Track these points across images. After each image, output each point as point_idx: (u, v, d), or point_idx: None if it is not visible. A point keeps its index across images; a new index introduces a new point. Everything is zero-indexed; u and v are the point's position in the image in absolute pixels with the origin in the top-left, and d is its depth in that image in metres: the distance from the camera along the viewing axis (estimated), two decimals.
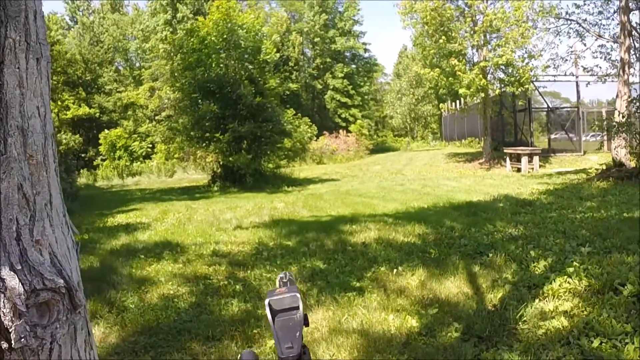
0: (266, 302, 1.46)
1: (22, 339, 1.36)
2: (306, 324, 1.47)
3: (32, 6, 1.52)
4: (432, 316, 4.98)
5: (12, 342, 1.36)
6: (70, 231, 1.66)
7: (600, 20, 21.35)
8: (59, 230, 1.57)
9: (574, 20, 21.49)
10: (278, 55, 26.97)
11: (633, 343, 3.97)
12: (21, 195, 1.45)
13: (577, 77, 26.41)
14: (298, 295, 1.48)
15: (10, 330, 1.35)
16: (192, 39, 24.37)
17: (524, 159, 22.40)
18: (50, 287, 1.42)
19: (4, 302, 1.34)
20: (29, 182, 1.47)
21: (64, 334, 1.47)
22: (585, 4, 21.03)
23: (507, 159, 24.12)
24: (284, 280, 1.68)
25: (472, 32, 25.38)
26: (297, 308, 1.46)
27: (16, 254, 1.41)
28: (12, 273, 1.37)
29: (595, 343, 4.06)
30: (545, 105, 28.88)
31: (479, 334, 4.49)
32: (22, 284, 1.36)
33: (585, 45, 23.04)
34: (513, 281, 5.80)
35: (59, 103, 43.27)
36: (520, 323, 4.65)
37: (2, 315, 1.34)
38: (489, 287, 5.71)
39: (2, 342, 1.36)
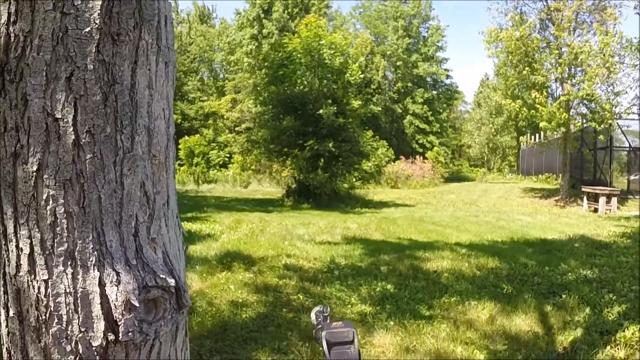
0: (323, 334, 1.53)
1: (130, 333, 1.42)
2: None
3: (164, 11, 1.60)
4: (500, 353, 4.95)
5: (120, 334, 1.42)
6: (181, 233, 1.73)
7: None
8: (173, 230, 1.65)
9: None
10: (362, 77, 27.08)
11: None
12: (142, 193, 1.52)
13: None
14: (354, 330, 1.54)
15: (119, 323, 1.42)
16: (278, 54, 24.75)
17: (602, 199, 21.76)
18: (161, 285, 1.48)
19: (117, 295, 1.41)
20: (150, 181, 1.54)
21: (167, 332, 1.54)
22: None
23: (585, 197, 23.52)
24: (325, 314, 1.75)
25: (556, 64, 24.95)
26: (352, 342, 1.52)
27: (132, 249, 1.48)
28: (127, 267, 1.44)
29: None
30: (627, 145, 28.05)
31: None
32: (136, 279, 1.44)
33: None
34: (585, 325, 5.69)
35: None
36: None
37: (113, 307, 1.41)
38: (560, 329, 5.62)
39: (109, 334, 1.42)
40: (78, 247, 1.42)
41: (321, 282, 7.39)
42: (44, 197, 1.41)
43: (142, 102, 1.52)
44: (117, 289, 1.42)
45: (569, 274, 8.13)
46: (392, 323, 5.70)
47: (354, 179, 24.77)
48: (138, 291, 1.43)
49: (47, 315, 1.43)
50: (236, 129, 47.02)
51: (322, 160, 23.12)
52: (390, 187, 37.37)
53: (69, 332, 1.43)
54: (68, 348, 1.43)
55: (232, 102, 50.62)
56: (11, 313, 1.48)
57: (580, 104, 25.20)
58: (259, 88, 26.55)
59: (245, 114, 45.38)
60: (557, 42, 25.01)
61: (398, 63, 58.39)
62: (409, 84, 58.52)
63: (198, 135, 47.88)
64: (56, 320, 1.43)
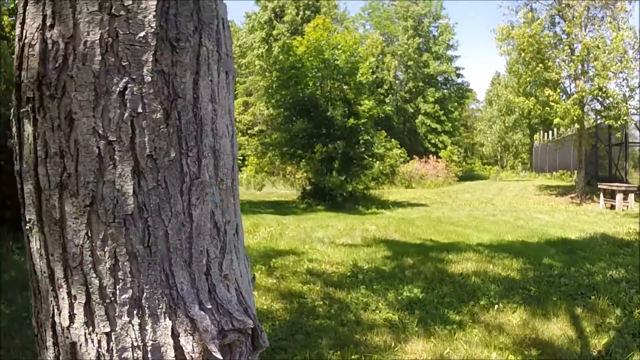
0: None
1: None
2: None
3: (222, 13, 1.40)
4: (535, 357, 4.93)
5: None
6: (249, 263, 1.54)
7: None
8: (243, 263, 1.46)
9: None
10: (373, 76, 27.07)
11: None
12: (212, 224, 1.33)
13: None
14: None
15: None
16: (289, 57, 24.80)
17: (619, 196, 21.62)
18: (238, 327, 1.30)
19: (193, 345, 1.25)
20: (219, 209, 1.35)
21: None
22: None
23: (601, 195, 23.40)
24: None
25: (569, 60, 24.85)
26: None
27: (205, 290, 1.31)
28: (202, 313, 1.26)
29: None
30: None
31: None
32: (213, 325, 1.26)
33: None
34: (617, 327, 5.65)
35: None
36: None
37: (190, 359, 1.25)
38: (593, 332, 5.58)
39: None
40: (145, 294, 1.24)
41: (346, 287, 7.35)
42: (101, 237, 1.22)
43: (207, 119, 1.33)
44: (193, 338, 1.25)
45: (595, 274, 8.10)
46: (422, 329, 5.67)
47: (368, 180, 24.70)
48: (217, 339, 1.26)
49: None
50: (249, 131, 47.08)
51: (336, 162, 23.10)
52: (405, 187, 37.30)
53: None
54: None
55: (244, 105, 50.70)
56: None
57: (594, 100, 25.06)
58: (270, 91, 26.62)
59: (258, 116, 45.49)
60: (569, 38, 24.91)
61: (409, 63, 58.26)
62: (420, 84, 58.35)
63: None
64: None
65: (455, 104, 60.94)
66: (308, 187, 24.77)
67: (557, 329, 5.71)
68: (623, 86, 23.87)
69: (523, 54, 25.76)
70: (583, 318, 6.06)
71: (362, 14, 63.91)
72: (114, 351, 1.24)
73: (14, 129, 1.34)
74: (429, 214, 19.36)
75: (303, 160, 23.69)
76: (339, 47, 23.99)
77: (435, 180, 39.74)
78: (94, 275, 1.23)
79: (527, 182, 38.62)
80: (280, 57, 26.07)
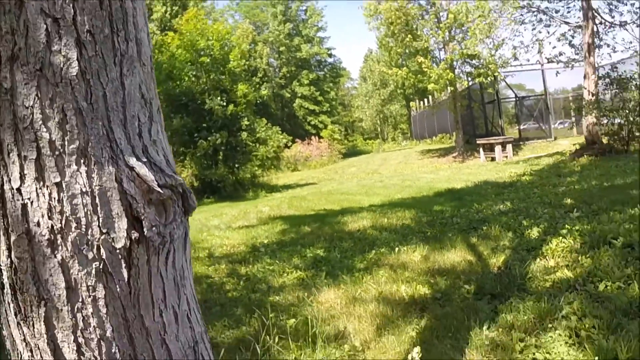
0: None
1: (154, 227, 1.44)
2: None
3: None
4: (442, 283, 5.24)
5: (145, 229, 1.42)
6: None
7: (562, 7, 21.72)
8: (166, 139, 1.68)
9: (535, 9, 21.78)
10: (246, 62, 27.02)
11: (637, 282, 4.26)
12: (140, 95, 1.55)
13: (542, 65, 26.77)
14: None
15: (142, 218, 1.42)
16: (162, 54, 24.33)
17: (498, 148, 22.67)
18: (170, 183, 1.49)
19: (135, 189, 1.42)
20: (145, 85, 1.58)
21: (179, 237, 1.56)
22: None
23: (481, 150, 24.35)
24: None
25: (436, 29, 25.67)
26: None
27: (139, 148, 1.50)
28: (140, 163, 1.45)
29: (601, 287, 4.37)
30: (513, 96, 29.25)
31: (491, 292, 4.78)
32: (152, 172, 1.46)
33: (549, 33, 23.38)
34: (512, 246, 6.13)
35: None
36: (527, 279, 4.94)
37: (134, 202, 1.41)
38: (490, 254, 6.04)
39: (132, 232, 1.41)
40: (90, 144, 1.41)
41: (250, 261, 7.39)
42: (50, 96, 1.39)
43: (129, 12, 1.55)
44: (135, 184, 1.43)
45: (484, 210, 8.59)
46: (331, 280, 5.84)
47: (255, 167, 24.66)
48: (156, 182, 1.45)
49: (64, 221, 1.39)
50: None
51: (221, 153, 22.93)
52: (291, 171, 37.54)
53: (89, 236, 1.39)
54: (90, 255, 1.40)
55: None
56: (15, 236, 1.40)
57: (465, 63, 26.03)
58: None
59: None
60: (435, 8, 25.71)
61: (281, 49, 58.68)
62: (294, 68, 58.89)
63: None
64: (75, 225, 1.39)
65: (331, 84, 61.86)
66: (196, 184, 24.35)
67: (456, 257, 6.07)
68: (490, 47, 24.89)
69: (392, 27, 26.41)
70: (479, 245, 6.50)
71: (231, 4, 63.85)
72: (65, 199, 1.39)
73: None
74: (319, 189, 19.60)
75: (187, 157, 23.31)
76: (212, 37, 23.79)
77: (320, 160, 40.21)
78: (45, 130, 1.39)
79: (409, 149, 39.64)
80: (154, 55, 25.40)
